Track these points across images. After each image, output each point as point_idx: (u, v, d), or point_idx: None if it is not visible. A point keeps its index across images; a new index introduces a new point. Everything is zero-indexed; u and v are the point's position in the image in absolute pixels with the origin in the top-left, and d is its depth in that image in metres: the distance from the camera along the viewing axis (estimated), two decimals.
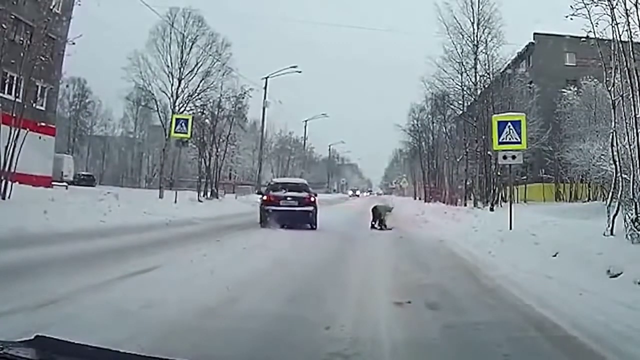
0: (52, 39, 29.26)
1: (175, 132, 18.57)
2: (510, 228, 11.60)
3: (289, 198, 14.88)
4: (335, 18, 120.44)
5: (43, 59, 18.68)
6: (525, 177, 34.88)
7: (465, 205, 24.93)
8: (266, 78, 35.56)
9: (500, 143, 11.70)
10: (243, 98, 25.88)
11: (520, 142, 11.70)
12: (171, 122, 19.12)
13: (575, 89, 33.66)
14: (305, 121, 53.94)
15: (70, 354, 1.73)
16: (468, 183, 27.02)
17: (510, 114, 12.80)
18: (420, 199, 47.50)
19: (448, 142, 31.07)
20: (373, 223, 15.56)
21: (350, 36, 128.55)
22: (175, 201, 18.66)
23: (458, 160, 27.73)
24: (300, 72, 36.11)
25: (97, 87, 56.41)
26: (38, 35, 27.35)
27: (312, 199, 15.25)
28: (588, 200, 31.05)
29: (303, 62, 70.08)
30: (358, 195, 72.39)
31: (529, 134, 24.00)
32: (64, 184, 33.11)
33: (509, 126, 11.68)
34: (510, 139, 11.64)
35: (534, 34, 39.54)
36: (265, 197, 15.19)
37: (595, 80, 30.23)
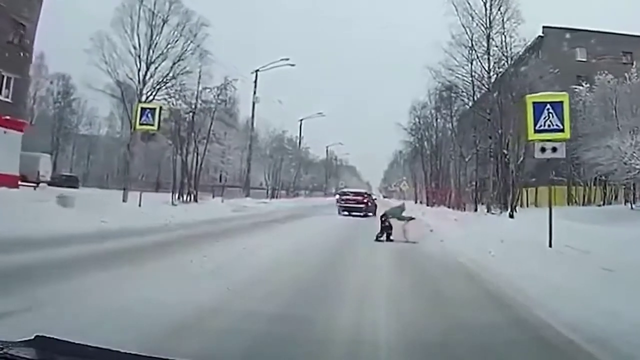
0: (20, 24, 26.91)
1: (141, 123, 15.85)
2: (550, 244, 8.96)
3: (350, 197, 26.09)
4: (333, 14, 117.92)
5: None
6: (534, 179, 32.46)
7: (476, 210, 22.12)
8: (256, 71, 33.36)
9: (537, 131, 9.04)
10: (225, 89, 22.97)
11: (562, 130, 9.07)
12: (135, 112, 16.32)
13: (588, 85, 31.41)
14: (301, 120, 51.56)
15: (70, 354, 1.72)
16: (478, 185, 24.18)
17: (549, 93, 10.05)
18: (421, 202, 45.09)
19: (455, 140, 28.19)
20: (381, 234, 12.61)
21: (349, 35, 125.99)
22: (140, 205, 15.91)
23: (467, 159, 24.89)
24: (293, 65, 33.90)
25: (85, 84, 53.50)
26: (2, 18, 24.89)
27: (365, 199, 25.93)
28: (603, 204, 29.02)
29: (302, 64, 66.97)
30: None
31: None
32: (33, 184, 30.70)
33: (548, 109, 9.04)
34: (549, 125, 9.00)
35: (543, 27, 37.35)
36: (338, 198, 27.41)
37: (611, 75, 28.75)
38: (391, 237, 12.38)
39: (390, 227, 12.56)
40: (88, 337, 1.88)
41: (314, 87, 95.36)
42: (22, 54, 27.30)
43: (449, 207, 28.59)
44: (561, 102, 9.19)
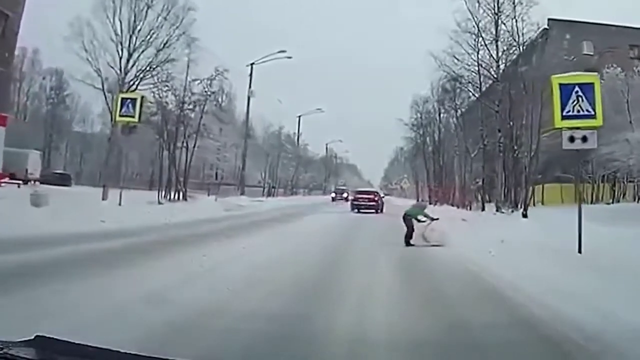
0: (3, 13, 25.66)
1: (121, 115, 14.56)
2: (580, 250, 7.67)
3: (363, 196, 29.07)
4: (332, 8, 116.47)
5: None
6: (539, 176, 31.30)
7: (483, 209, 20.69)
8: (252, 64, 32.12)
9: (564, 117, 7.74)
10: (215, 79, 21.51)
11: (594, 116, 7.76)
12: (115, 103, 15.02)
13: None
14: (299, 116, 50.18)
15: (70, 354, 1.72)
16: (484, 182, 22.71)
17: (578, 73, 8.70)
18: (422, 200, 43.64)
19: (460, 135, 26.65)
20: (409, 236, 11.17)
21: (349, 31, 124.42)
22: (120, 203, 14.63)
23: (473, 155, 23.43)
24: (290, 57, 32.57)
25: (76, 78, 52.15)
26: None
27: (375, 197, 29.16)
28: (612, 202, 28.07)
29: (301, 60, 65.13)
30: (347, 199, 46.37)
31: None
32: (21, 182, 29.65)
33: (577, 92, 7.75)
34: (579, 110, 7.73)
35: (548, 19, 36.17)
36: (352, 197, 30.94)
37: (619, 68, 28.08)
38: (411, 242, 10.97)
39: (413, 229, 11.15)
40: (88, 337, 1.87)
41: (312, 84, 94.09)
42: (5, 46, 26.13)
43: (452, 205, 27.26)
44: (592, 84, 7.90)
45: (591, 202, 30.11)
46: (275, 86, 61.28)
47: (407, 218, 11.31)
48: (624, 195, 29.16)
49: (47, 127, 52.80)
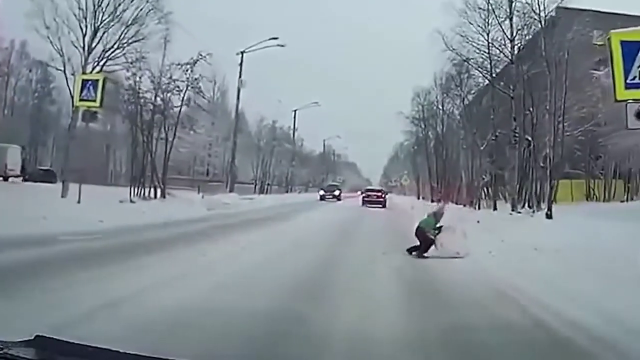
0: None
1: (81, 99, 12.68)
2: None
3: (372, 193, 35.55)
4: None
5: None
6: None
7: (495, 208, 18.68)
8: (242, 52, 30.23)
9: (629, 86, 5.79)
10: (195, 64, 19.45)
11: None
12: (75, 85, 13.12)
13: (607, 69, 28.19)
14: (295, 110, 48.28)
15: (70, 354, 1.72)
16: (494, 178, 20.69)
17: None
18: (423, 198, 42.06)
19: (466, 126, 24.46)
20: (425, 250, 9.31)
21: (348, 26, 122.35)
22: (79, 201, 12.70)
23: (482, 147, 21.39)
24: (283, 45, 30.75)
25: (40, 60, 50.48)
26: None
27: (382, 194, 35.60)
28: (628, 199, 26.62)
29: (298, 56, 63.11)
30: (339, 198, 42.30)
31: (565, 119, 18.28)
32: None
33: None
34: None
35: (557, 7, 34.42)
36: (363, 194, 36.50)
37: None
38: (425, 254, 9.06)
39: (430, 240, 9.22)
40: (88, 337, 1.86)
41: (310, 81, 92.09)
42: None
43: (457, 204, 25.29)
44: None
45: (603, 200, 28.53)
46: (271, 81, 59.70)
47: (420, 232, 9.29)
48: (637, 192, 27.89)
49: (34, 121, 51.14)
